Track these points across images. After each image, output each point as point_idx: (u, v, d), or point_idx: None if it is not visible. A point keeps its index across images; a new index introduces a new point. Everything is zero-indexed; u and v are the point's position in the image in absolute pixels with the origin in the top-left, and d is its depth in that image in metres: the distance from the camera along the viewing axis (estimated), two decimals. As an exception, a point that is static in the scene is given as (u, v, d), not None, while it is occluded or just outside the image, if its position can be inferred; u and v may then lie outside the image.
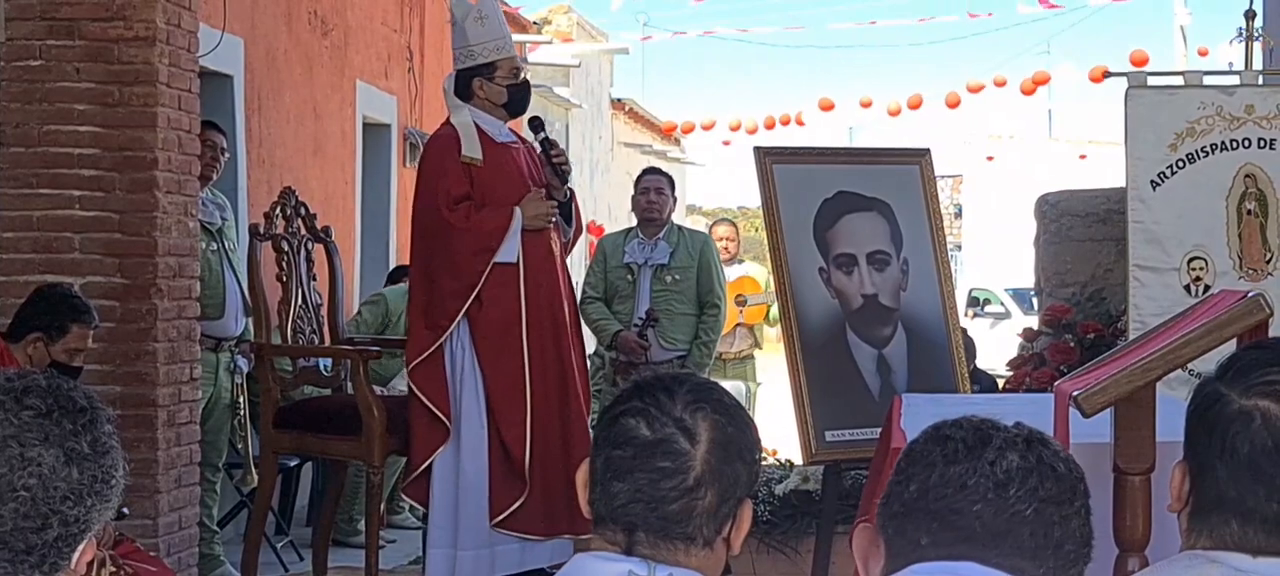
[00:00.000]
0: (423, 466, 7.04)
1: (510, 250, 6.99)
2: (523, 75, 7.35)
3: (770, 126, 26.48)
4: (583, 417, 7.02)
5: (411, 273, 7.42)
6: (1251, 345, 2.54)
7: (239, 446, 8.55)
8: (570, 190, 7.38)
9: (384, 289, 10.23)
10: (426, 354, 6.98)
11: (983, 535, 2.12)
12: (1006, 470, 2.13)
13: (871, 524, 2.26)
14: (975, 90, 24.98)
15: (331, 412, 7.65)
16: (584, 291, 9.42)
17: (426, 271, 7.11)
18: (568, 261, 7.52)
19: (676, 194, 9.89)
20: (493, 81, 7.16)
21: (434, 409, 6.98)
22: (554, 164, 7.20)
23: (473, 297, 6.95)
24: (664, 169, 11.13)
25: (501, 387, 7.00)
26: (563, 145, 7.55)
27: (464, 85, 7.19)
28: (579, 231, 7.56)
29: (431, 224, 7.09)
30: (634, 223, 9.82)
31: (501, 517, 6.97)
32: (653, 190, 9.52)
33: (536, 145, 7.39)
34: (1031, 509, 2.12)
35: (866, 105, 25.93)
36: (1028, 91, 25.32)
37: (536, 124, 7.50)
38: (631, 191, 10.07)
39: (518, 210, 7.02)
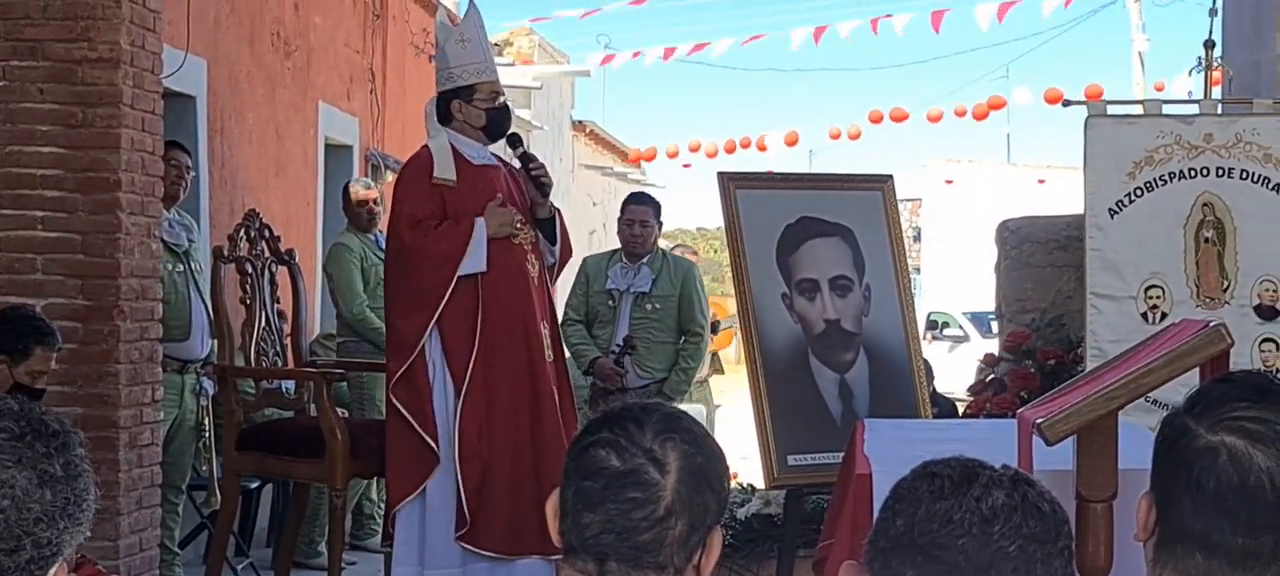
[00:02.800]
0: (413, 494, 7.00)
1: (477, 260, 6.99)
2: (502, 99, 7.35)
3: (732, 150, 26.57)
4: (560, 440, 6.98)
5: (385, 298, 7.41)
6: (1219, 378, 2.56)
7: (203, 469, 8.53)
8: (556, 209, 7.38)
9: (335, 242, 10.06)
10: (400, 373, 6.98)
11: (967, 569, 2.15)
12: (992, 506, 2.16)
13: (858, 561, 2.28)
14: (934, 119, 25.11)
15: (294, 435, 7.65)
16: (566, 313, 9.29)
17: (394, 294, 7.13)
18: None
19: (661, 220, 9.72)
20: (471, 104, 7.18)
21: (419, 431, 6.96)
22: (533, 176, 7.22)
23: (437, 314, 6.95)
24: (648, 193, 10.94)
25: (466, 402, 7.00)
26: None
27: (444, 108, 7.21)
28: (568, 254, 7.54)
29: (394, 247, 7.13)
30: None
31: (461, 533, 6.98)
32: (638, 222, 9.34)
33: (515, 161, 7.41)
34: (1015, 546, 2.14)
35: (835, 137, 26.03)
36: (981, 115, 25.45)
37: (514, 140, 7.51)
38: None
39: (480, 221, 7.03)
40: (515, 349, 7.08)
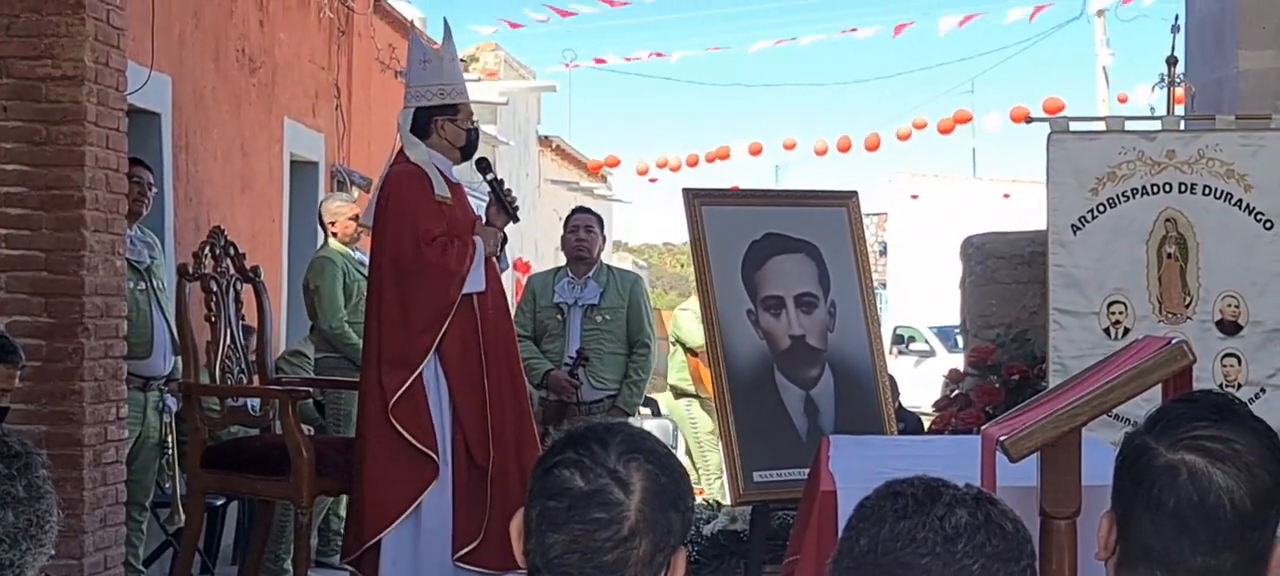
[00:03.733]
0: (408, 512, 6.98)
1: (478, 279, 7.05)
2: (476, 122, 7.42)
3: (694, 164, 26.58)
4: (536, 448, 7.00)
5: (373, 313, 7.27)
6: (1180, 398, 2.59)
7: (167, 486, 8.51)
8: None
9: (319, 255, 10.03)
10: (402, 390, 6.97)
11: None
12: (955, 525, 2.17)
13: None
14: (904, 138, 25.17)
15: (260, 453, 7.63)
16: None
17: (400, 309, 7.07)
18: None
19: (605, 232, 9.89)
20: (455, 123, 7.21)
21: (419, 445, 6.95)
22: (504, 202, 7.26)
23: (444, 330, 6.98)
24: (592, 207, 11.15)
25: (470, 419, 7.01)
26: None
27: (421, 123, 7.21)
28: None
29: (408, 262, 7.07)
30: (562, 261, 9.80)
31: (465, 552, 6.95)
32: (582, 228, 9.51)
33: (486, 185, 7.47)
34: (978, 564, 2.15)
35: (790, 148, 26.08)
36: (946, 130, 25.53)
37: (484, 165, 7.52)
38: (558, 228, 10.06)
39: (479, 240, 7.08)
40: (501, 362, 7.11)
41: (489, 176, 7.44)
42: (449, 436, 7.03)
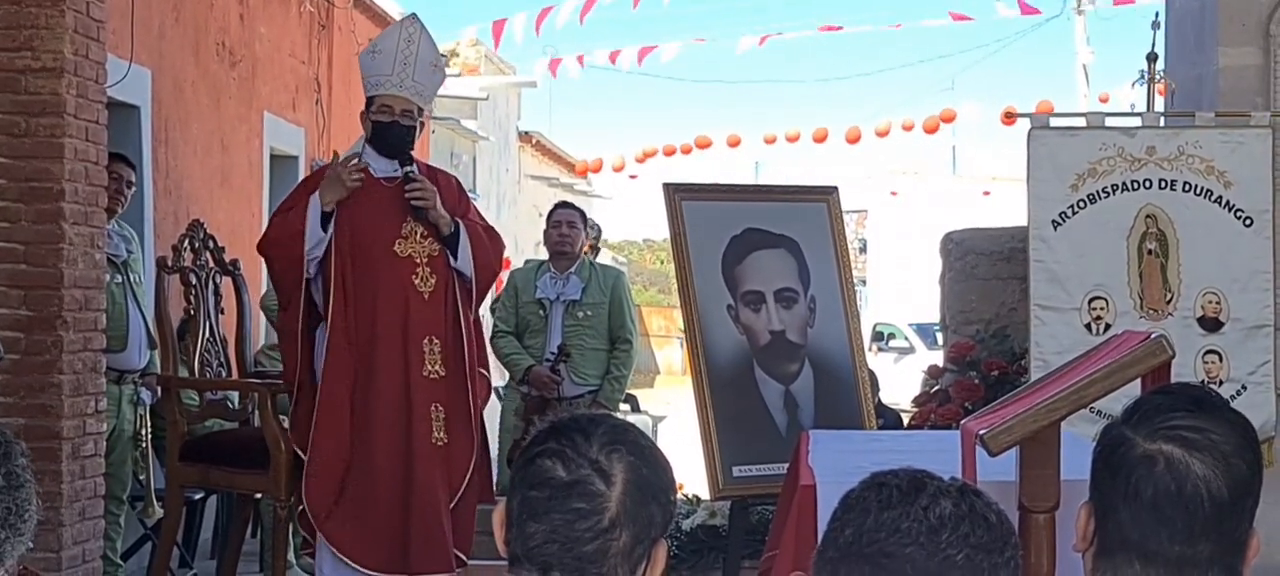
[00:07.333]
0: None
1: (313, 234, 6.82)
2: (399, 118, 7.01)
3: (670, 154, 26.57)
4: (430, 458, 6.83)
5: None
6: (1157, 390, 2.60)
7: (142, 478, 8.49)
8: (457, 224, 7.00)
9: None
10: (294, 367, 6.96)
11: None
12: (939, 516, 2.17)
13: (805, 572, 2.29)
14: (882, 134, 25.21)
15: (238, 446, 7.61)
16: (494, 325, 9.37)
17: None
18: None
19: (588, 228, 9.85)
20: (368, 115, 7.08)
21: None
22: (408, 200, 6.93)
23: (299, 299, 6.86)
24: (574, 203, 11.12)
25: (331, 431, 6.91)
26: (467, 178, 7.42)
27: None
28: (489, 271, 7.17)
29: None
30: (545, 256, 9.78)
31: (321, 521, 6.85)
32: (565, 224, 9.46)
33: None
34: (962, 554, 2.16)
35: (770, 142, 26.12)
36: (931, 129, 25.60)
37: (404, 160, 7.18)
38: (538, 224, 10.02)
39: (314, 197, 6.88)
40: (391, 362, 6.86)
41: (402, 171, 7.12)
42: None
